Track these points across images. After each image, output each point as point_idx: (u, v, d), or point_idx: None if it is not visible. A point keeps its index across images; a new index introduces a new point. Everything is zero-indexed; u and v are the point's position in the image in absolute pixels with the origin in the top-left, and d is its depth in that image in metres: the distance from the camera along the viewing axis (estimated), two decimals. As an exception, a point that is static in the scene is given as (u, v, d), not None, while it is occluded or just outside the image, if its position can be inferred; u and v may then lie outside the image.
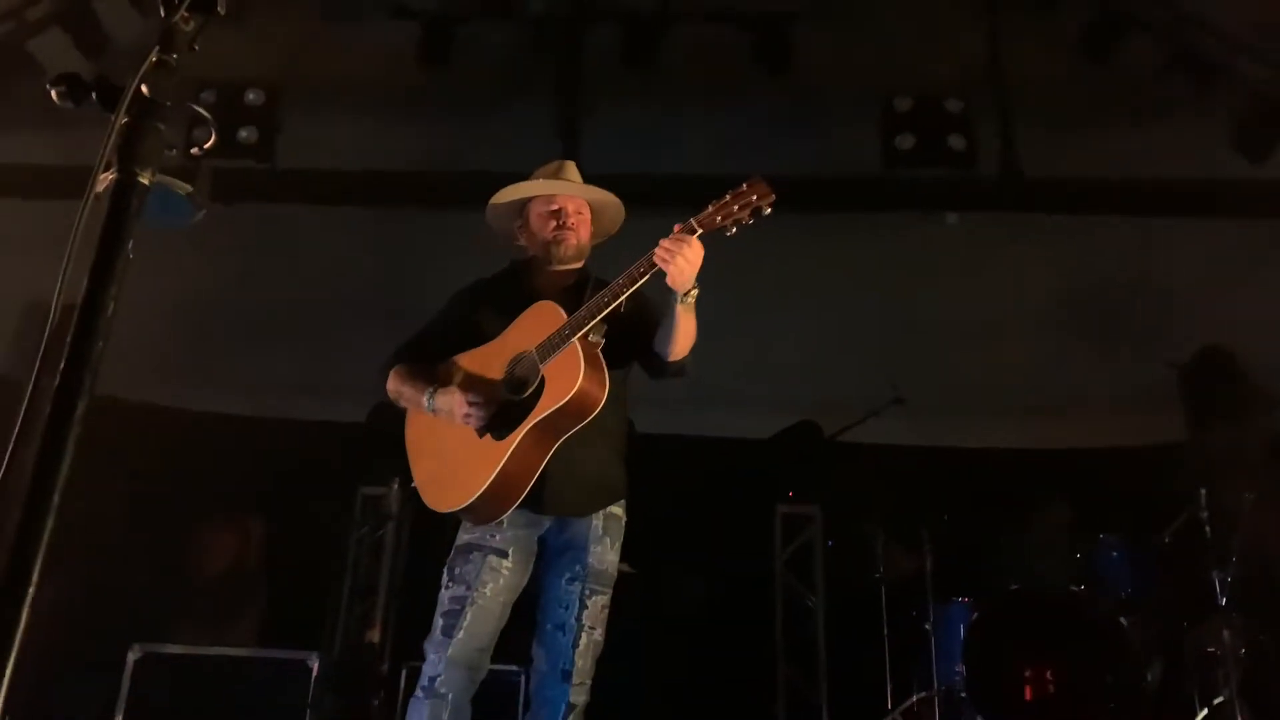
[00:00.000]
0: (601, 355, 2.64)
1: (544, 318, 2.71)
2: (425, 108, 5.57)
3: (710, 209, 2.48)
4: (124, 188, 1.13)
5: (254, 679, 4.25)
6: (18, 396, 1.09)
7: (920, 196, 5.69)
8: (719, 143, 5.78)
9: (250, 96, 5.61)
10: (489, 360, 2.78)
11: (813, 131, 5.67)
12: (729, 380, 6.40)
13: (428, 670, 2.62)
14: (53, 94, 1.18)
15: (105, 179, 1.17)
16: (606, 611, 2.72)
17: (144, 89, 1.15)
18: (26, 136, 5.49)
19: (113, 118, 1.15)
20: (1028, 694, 4.34)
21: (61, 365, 1.06)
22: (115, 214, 1.12)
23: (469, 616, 2.61)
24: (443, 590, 2.70)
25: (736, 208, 2.43)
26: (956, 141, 5.34)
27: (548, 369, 2.62)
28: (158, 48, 1.16)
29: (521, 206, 2.98)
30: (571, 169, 3.00)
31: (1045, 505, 5.46)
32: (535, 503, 2.66)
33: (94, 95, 1.17)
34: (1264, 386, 5.39)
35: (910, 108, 5.41)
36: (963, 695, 4.45)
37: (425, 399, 2.75)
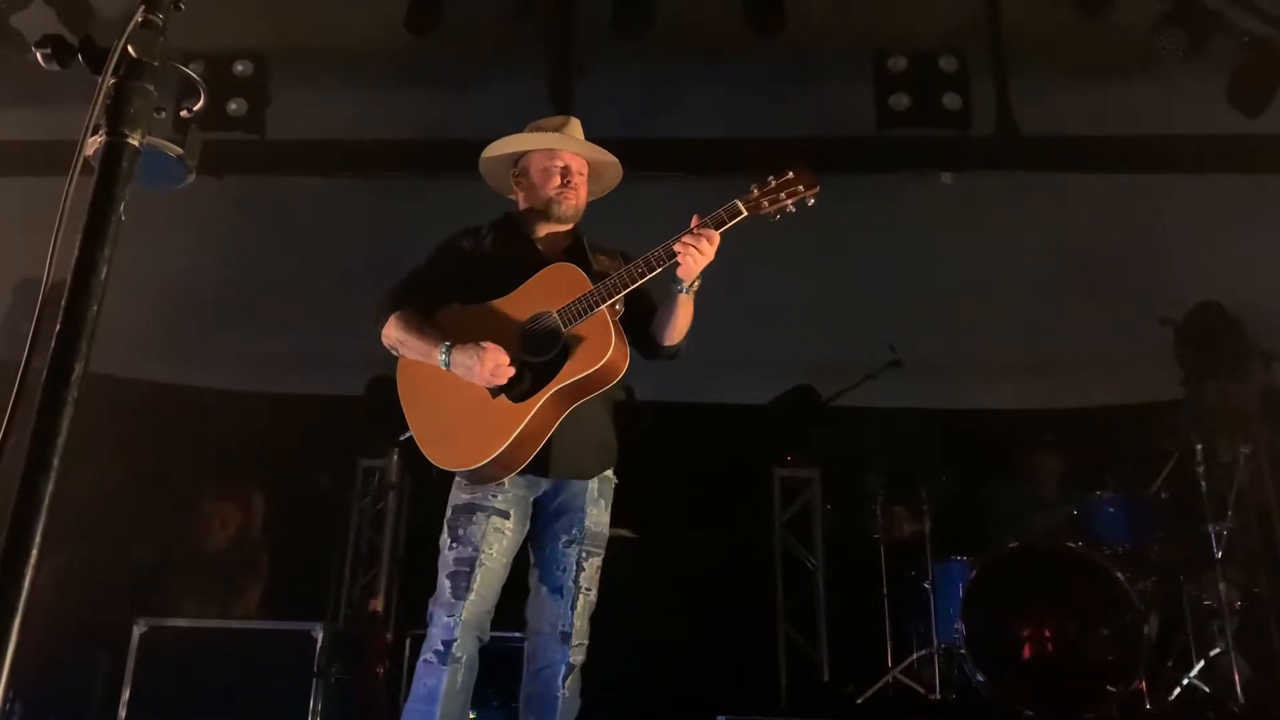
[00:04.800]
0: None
1: (566, 280, 2.67)
2: (416, 75, 5.51)
3: (756, 193, 2.55)
4: (114, 149, 1.12)
5: (259, 651, 4.27)
6: (9, 376, 1.09)
7: (915, 156, 5.66)
8: (713, 105, 5.74)
9: (239, 68, 5.54)
10: (499, 317, 2.71)
11: (807, 92, 5.64)
12: (726, 345, 6.39)
13: (440, 634, 2.58)
14: (38, 56, 1.16)
15: (94, 142, 1.15)
16: (600, 572, 2.75)
17: (130, 49, 1.13)
18: (12, 112, 5.44)
19: (100, 79, 1.13)
20: (1026, 650, 4.39)
21: (57, 326, 1.05)
22: (106, 176, 1.10)
23: (478, 578, 2.59)
24: (446, 550, 2.66)
25: (784, 195, 2.52)
26: (951, 100, 5.29)
27: (574, 333, 2.59)
28: (143, 6, 1.14)
29: (519, 157, 2.94)
30: (576, 126, 2.95)
31: (1042, 463, 5.49)
32: (540, 466, 2.64)
33: (80, 56, 1.15)
34: (1259, 341, 5.40)
35: (905, 67, 5.36)
36: (962, 652, 4.49)
37: (440, 353, 2.64)
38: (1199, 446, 4.64)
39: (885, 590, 5.32)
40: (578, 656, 2.66)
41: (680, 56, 5.64)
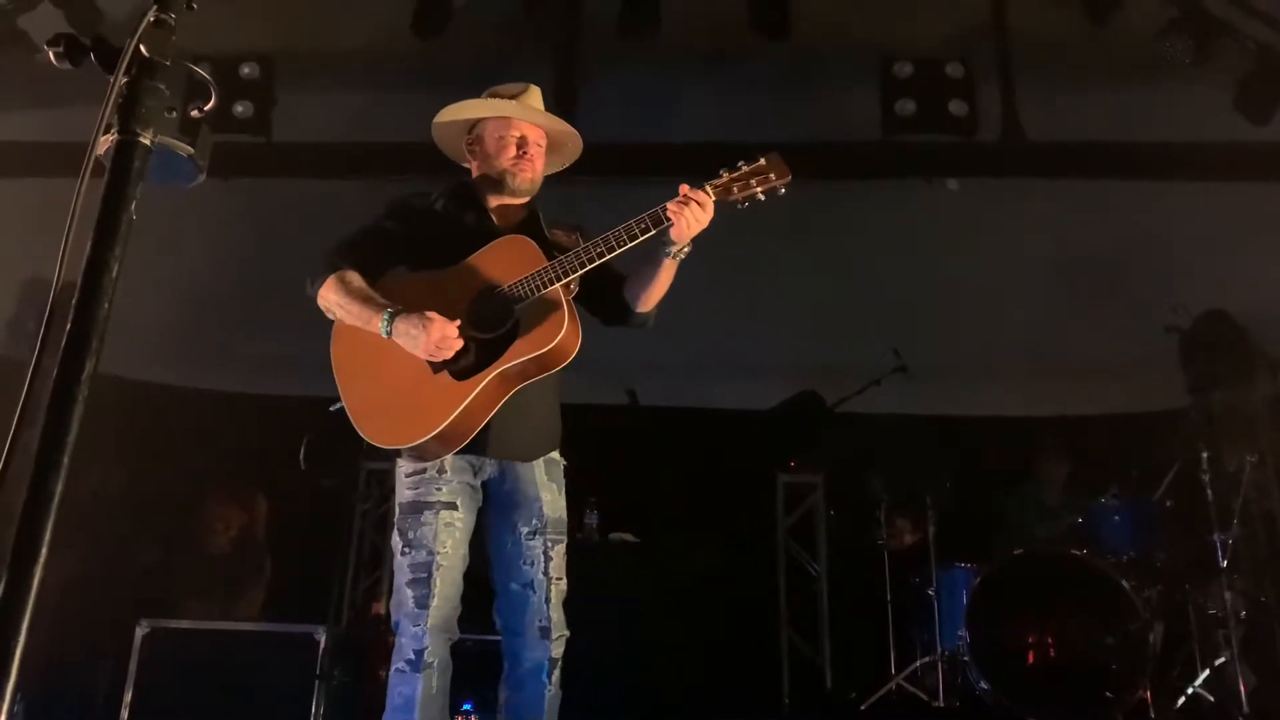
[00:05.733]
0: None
1: (519, 254, 2.54)
2: (421, 78, 5.50)
3: (724, 178, 2.44)
4: (126, 148, 1.12)
5: (262, 653, 4.26)
6: (17, 376, 1.08)
7: (921, 162, 5.66)
8: (719, 110, 5.74)
9: (245, 70, 5.56)
10: (446, 288, 2.55)
11: (813, 98, 5.64)
12: (730, 350, 6.40)
13: (410, 644, 2.47)
14: (50, 55, 1.16)
15: (106, 141, 1.15)
16: (565, 559, 2.65)
17: (143, 48, 1.13)
18: (21, 114, 5.45)
19: (112, 78, 1.13)
20: (1031, 658, 4.38)
21: (68, 325, 1.05)
22: (118, 174, 1.10)
23: (438, 581, 2.48)
24: (399, 556, 2.54)
25: (754, 182, 2.42)
26: (958, 107, 5.30)
27: (524, 311, 2.48)
28: (155, 6, 1.14)
29: (473, 125, 2.79)
30: (536, 95, 2.80)
31: (1047, 469, 5.48)
32: (479, 445, 2.53)
33: (92, 55, 1.15)
34: (1264, 349, 5.39)
35: (911, 73, 5.37)
36: (966, 659, 4.48)
37: (381, 321, 2.47)
38: (1204, 454, 4.62)
39: (889, 596, 5.32)
40: (559, 649, 2.58)
41: (686, 60, 5.64)
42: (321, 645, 4.19)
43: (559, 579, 2.61)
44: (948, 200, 5.86)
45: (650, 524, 5.57)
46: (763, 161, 2.44)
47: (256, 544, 5.40)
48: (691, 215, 2.40)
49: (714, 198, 2.43)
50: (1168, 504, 4.86)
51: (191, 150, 1.19)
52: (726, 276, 5.42)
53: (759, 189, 2.42)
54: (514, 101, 2.74)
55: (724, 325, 6.21)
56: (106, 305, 1.08)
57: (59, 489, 1.01)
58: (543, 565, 2.59)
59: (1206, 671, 4.43)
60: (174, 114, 1.22)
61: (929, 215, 6.07)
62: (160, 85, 1.14)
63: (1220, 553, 4.49)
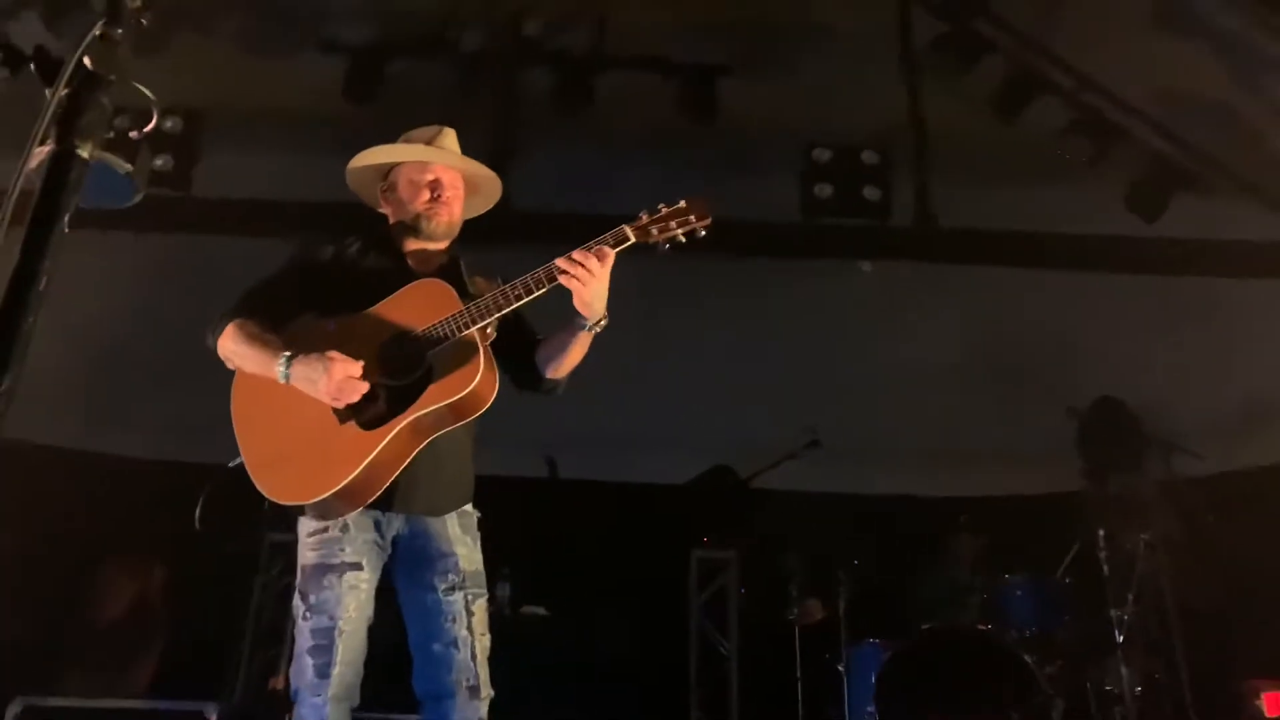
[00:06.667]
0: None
1: (434, 298, 2.43)
2: (352, 141, 5.52)
3: (644, 219, 2.40)
4: (63, 159, 1.09)
5: (147, 732, 4.04)
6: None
7: (838, 244, 5.85)
8: (649, 185, 5.86)
9: (168, 124, 5.49)
10: (355, 334, 2.42)
11: (737, 178, 5.80)
12: (650, 424, 6.43)
13: (311, 715, 2.34)
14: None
15: (40, 153, 1.13)
16: (487, 614, 2.54)
17: (86, 61, 1.12)
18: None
19: (52, 90, 1.12)
20: (939, 733, 4.39)
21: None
22: (52, 184, 1.08)
23: (340, 648, 2.35)
24: (300, 621, 2.40)
25: (674, 224, 2.38)
26: (871, 192, 5.54)
27: (438, 357, 2.37)
28: (103, 20, 1.14)
29: (388, 170, 2.71)
30: (451, 138, 2.74)
31: (956, 549, 5.58)
32: (386, 501, 2.42)
33: (32, 66, 1.14)
34: (1155, 434, 5.63)
35: (829, 159, 5.60)
36: (876, 736, 4.47)
37: (280, 365, 2.34)
38: (1101, 532, 4.79)
39: (799, 673, 5.30)
40: (485, 709, 2.45)
41: (618, 138, 5.76)
42: (211, 723, 3.99)
43: (483, 634, 2.48)
44: (864, 282, 6.06)
45: (563, 597, 5.49)
46: (683, 204, 2.41)
47: (150, 614, 5.16)
48: (588, 274, 2.33)
49: (634, 239, 2.39)
50: (1068, 581, 5.00)
51: (130, 168, 1.17)
52: (644, 350, 5.47)
53: (679, 230, 2.38)
54: (429, 146, 2.69)
55: (645, 399, 6.25)
56: (33, 320, 1.05)
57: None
58: (465, 621, 2.45)
59: (1105, 749, 4.50)
60: (111, 134, 1.21)
61: (846, 297, 6.26)
62: (103, 100, 1.13)
63: (1117, 629, 4.62)
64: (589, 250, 2.35)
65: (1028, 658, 4.39)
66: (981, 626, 4.64)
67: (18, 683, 4.16)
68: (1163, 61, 5.58)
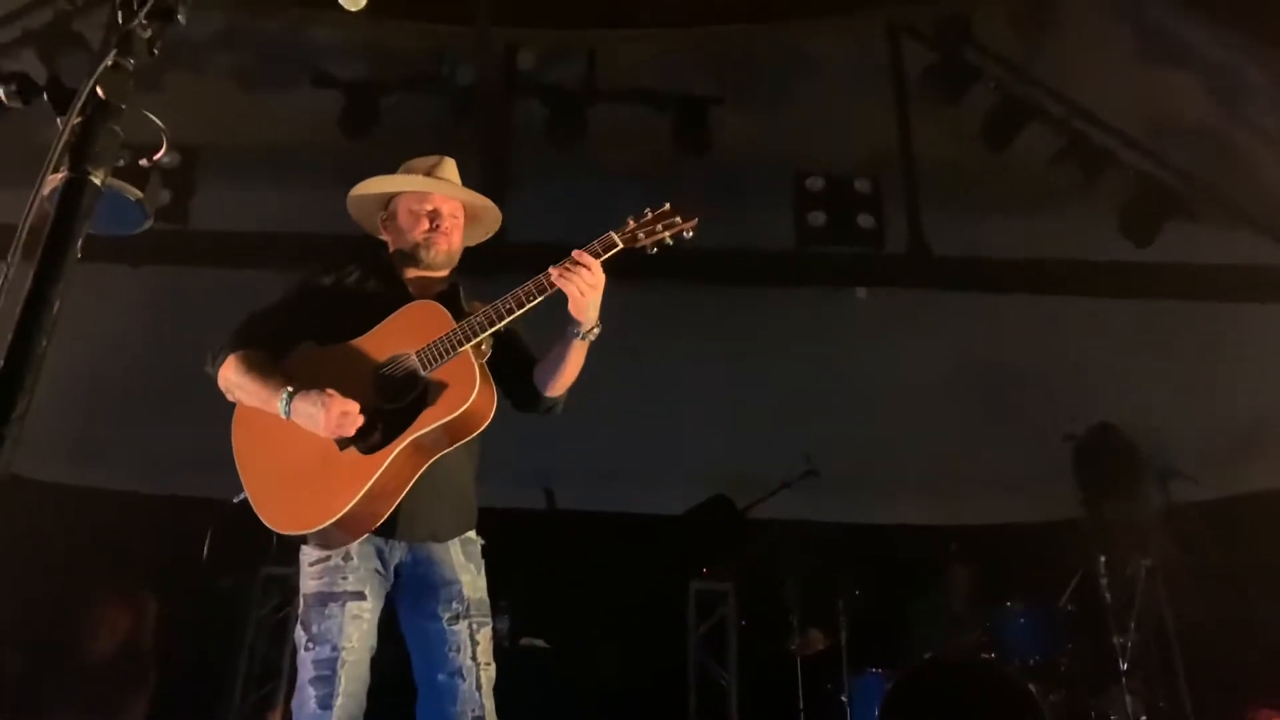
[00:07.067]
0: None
1: (427, 319, 2.44)
2: (347, 174, 5.55)
3: (631, 225, 2.39)
4: (75, 185, 1.10)
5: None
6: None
7: (832, 272, 5.87)
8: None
9: (165, 159, 5.50)
10: (352, 360, 2.44)
11: (730, 208, 5.83)
12: (643, 455, 6.42)
13: None
14: (0, 93, 1.15)
15: (54, 180, 1.13)
16: (492, 643, 2.50)
17: (99, 90, 1.13)
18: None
19: (64, 119, 1.12)
20: (942, 763, 4.35)
21: (4, 358, 1.01)
22: (65, 210, 1.08)
23: (343, 679, 2.32)
24: (302, 651, 2.38)
25: (660, 227, 2.38)
26: (865, 220, 5.57)
27: (435, 377, 2.36)
28: (114, 50, 1.14)
29: (388, 199, 2.73)
30: (450, 168, 2.76)
31: (954, 577, 5.56)
32: (388, 528, 2.40)
33: (45, 95, 1.14)
34: (1153, 461, 5.63)
35: (822, 188, 5.63)
36: (879, 767, 4.42)
37: (280, 401, 2.36)
38: (1102, 559, 4.77)
39: (801, 705, 5.25)
40: None
41: (611, 170, 5.79)
42: (207, 758, 3.92)
43: (488, 664, 2.44)
44: (860, 310, 6.07)
45: (562, 629, 5.44)
46: (667, 206, 2.41)
47: (142, 651, 5.09)
48: (582, 281, 2.32)
49: (622, 244, 2.37)
50: (1070, 609, 4.97)
51: (141, 195, 1.18)
52: (640, 380, 5.47)
53: (665, 233, 2.38)
54: (428, 176, 2.71)
55: (641, 429, 6.24)
56: (45, 343, 1.05)
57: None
58: (470, 650, 2.41)
59: (1110, 778, 4.46)
60: (122, 162, 1.21)
61: (839, 323, 6.27)
62: (115, 128, 1.14)
63: (1120, 656, 4.60)
64: (579, 256, 2.35)
65: (1031, 687, 4.36)
66: (984, 656, 4.60)
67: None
68: (1150, 90, 5.65)
